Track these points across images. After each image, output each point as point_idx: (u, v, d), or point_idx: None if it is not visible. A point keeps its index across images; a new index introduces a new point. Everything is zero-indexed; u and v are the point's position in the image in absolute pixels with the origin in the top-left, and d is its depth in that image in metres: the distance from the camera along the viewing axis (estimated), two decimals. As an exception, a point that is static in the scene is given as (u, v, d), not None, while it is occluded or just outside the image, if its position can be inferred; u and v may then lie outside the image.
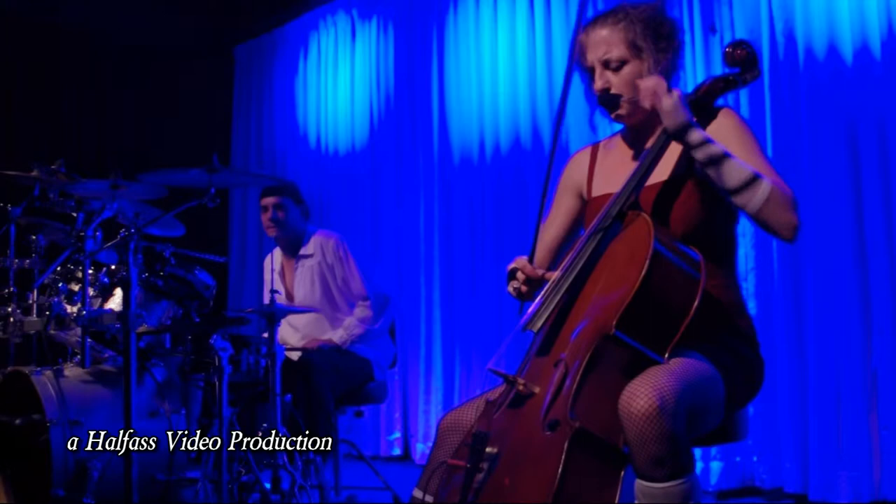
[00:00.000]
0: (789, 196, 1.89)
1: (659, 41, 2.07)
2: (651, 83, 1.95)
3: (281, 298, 4.13)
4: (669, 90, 1.93)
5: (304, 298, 4.10)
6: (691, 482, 1.69)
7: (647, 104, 1.95)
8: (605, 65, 2.07)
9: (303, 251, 4.14)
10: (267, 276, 4.29)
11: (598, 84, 2.08)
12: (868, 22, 3.52)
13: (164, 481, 3.19)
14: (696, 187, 2.00)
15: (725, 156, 1.88)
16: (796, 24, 3.72)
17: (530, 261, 2.05)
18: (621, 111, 2.08)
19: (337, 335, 3.95)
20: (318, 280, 4.08)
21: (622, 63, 2.06)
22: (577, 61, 2.15)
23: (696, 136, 1.90)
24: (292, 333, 4.14)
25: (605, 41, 2.07)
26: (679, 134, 1.91)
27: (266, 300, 4.12)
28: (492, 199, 4.88)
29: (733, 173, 1.87)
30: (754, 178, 1.86)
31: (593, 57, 2.09)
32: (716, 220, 2.03)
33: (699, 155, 1.90)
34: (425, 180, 5.26)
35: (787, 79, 3.75)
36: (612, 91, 2.07)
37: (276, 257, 4.28)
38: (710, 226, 2.02)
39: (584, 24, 2.14)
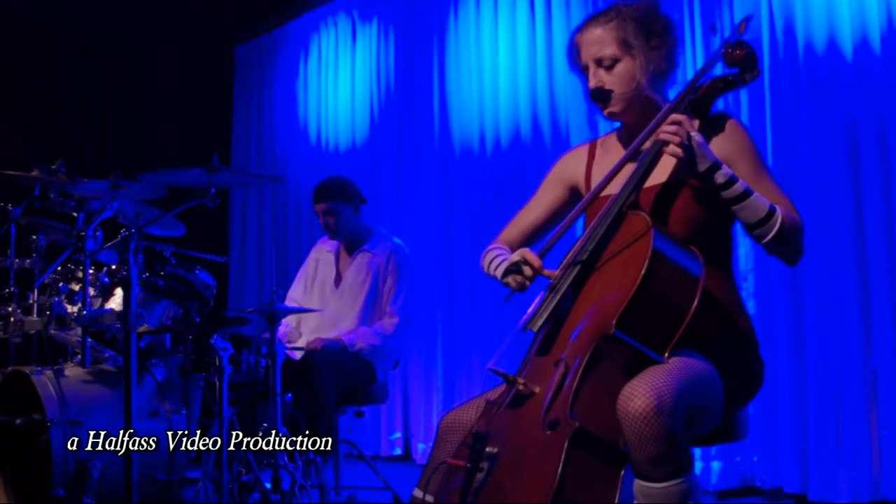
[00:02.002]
0: (797, 225, 1.98)
1: (650, 39, 2.08)
2: (679, 119, 1.92)
3: (327, 283, 4.15)
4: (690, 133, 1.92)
5: (350, 286, 4.09)
6: (690, 482, 1.69)
7: (672, 148, 1.92)
8: (598, 63, 2.09)
9: (367, 247, 4.12)
10: (315, 257, 4.28)
11: (592, 82, 2.11)
12: (868, 17, 3.52)
13: (164, 481, 3.19)
14: (695, 189, 2.01)
15: (747, 193, 1.93)
16: (796, 20, 3.72)
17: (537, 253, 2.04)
18: (614, 108, 2.09)
19: (347, 336, 3.92)
20: (372, 278, 4.06)
21: (614, 61, 2.08)
22: (574, 61, 2.17)
23: (721, 177, 1.93)
24: (314, 327, 4.12)
25: (598, 40, 2.09)
26: (706, 175, 1.93)
27: (300, 288, 4.25)
28: (492, 194, 4.89)
29: (752, 211, 1.93)
30: (770, 214, 1.93)
31: (587, 56, 2.12)
32: (715, 220, 2.03)
33: (723, 194, 1.93)
34: (425, 176, 5.26)
35: (786, 75, 3.75)
36: (605, 87, 2.08)
37: (330, 242, 4.26)
38: (709, 226, 2.03)
39: (579, 25, 2.16)
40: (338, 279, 4.17)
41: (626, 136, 2.19)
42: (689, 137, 1.91)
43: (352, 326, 4.01)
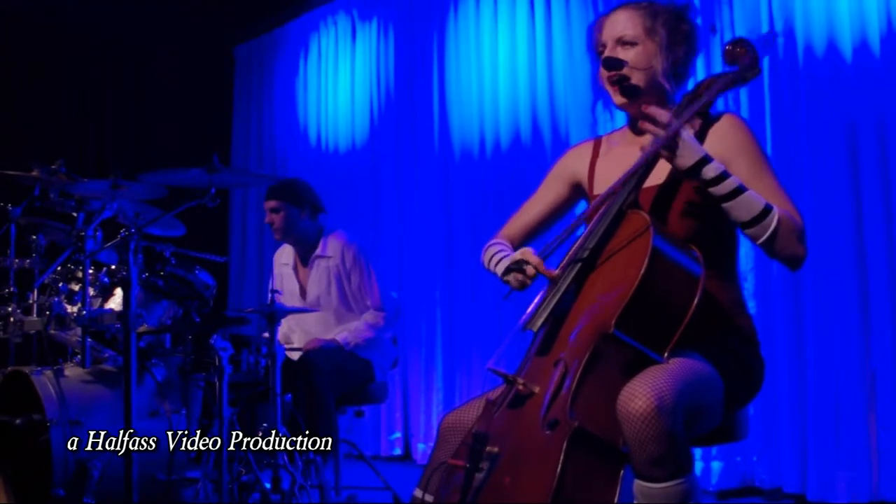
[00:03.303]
0: (797, 227, 1.91)
1: (675, 34, 2.09)
2: (663, 114, 1.88)
3: (294, 296, 4.09)
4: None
5: (317, 298, 4.04)
6: (690, 482, 1.69)
7: (658, 138, 1.88)
8: (618, 41, 2.09)
9: (318, 252, 4.05)
10: (277, 271, 4.23)
11: (606, 53, 2.09)
12: (867, 19, 3.52)
13: (164, 481, 3.19)
14: (695, 187, 2.00)
15: (739, 190, 1.88)
16: (796, 22, 3.73)
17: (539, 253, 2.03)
18: (630, 76, 2.06)
19: (341, 336, 3.92)
20: (335, 282, 4.01)
21: (635, 43, 2.07)
22: (591, 45, 2.17)
23: (710, 172, 1.88)
24: (300, 335, 4.11)
25: (623, 21, 2.09)
26: (693, 171, 1.89)
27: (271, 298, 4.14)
28: (492, 196, 4.89)
29: (745, 208, 1.88)
30: (765, 212, 1.88)
31: (608, 35, 2.10)
32: (715, 219, 2.02)
33: (713, 191, 1.89)
34: (426, 177, 5.26)
35: (786, 77, 3.76)
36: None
37: (287, 251, 4.20)
38: (709, 226, 2.02)
39: (604, 10, 2.20)
40: (303, 292, 4.11)
41: (633, 131, 2.18)
42: (676, 133, 1.88)
43: (338, 329, 3.99)
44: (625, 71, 2.06)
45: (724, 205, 1.90)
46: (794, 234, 1.91)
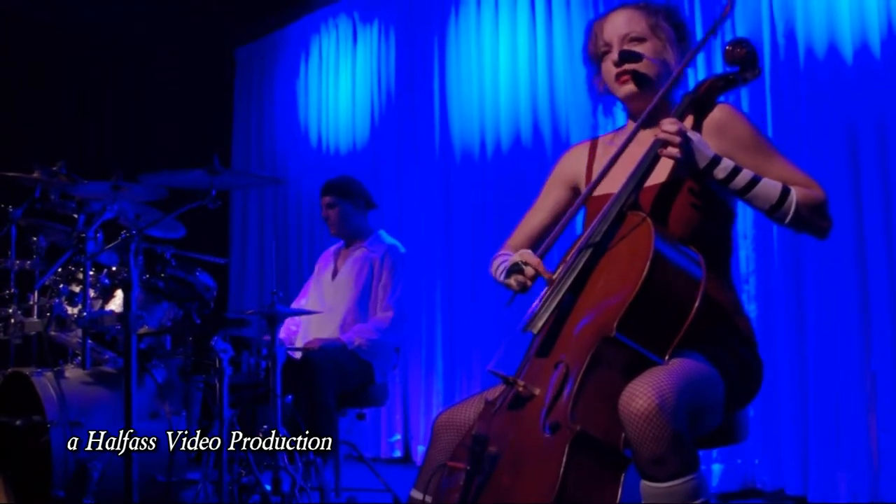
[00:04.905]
0: (817, 201, 1.97)
1: (677, 30, 2.10)
2: (672, 126, 1.90)
3: (326, 282, 4.23)
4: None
5: (346, 279, 4.15)
6: (696, 480, 1.68)
7: (670, 150, 1.90)
8: (625, 39, 2.08)
9: (366, 243, 4.19)
10: (320, 263, 4.36)
11: (617, 49, 2.08)
12: (868, 21, 3.53)
13: (164, 482, 3.19)
14: (695, 189, 2.00)
15: (753, 182, 1.91)
16: (797, 24, 3.73)
17: (537, 253, 2.03)
18: (640, 67, 2.05)
19: (346, 336, 3.94)
20: (366, 271, 4.13)
21: (643, 39, 2.07)
22: (588, 50, 2.16)
23: (721, 172, 1.91)
24: (302, 335, 4.15)
25: (625, 21, 2.09)
26: (706, 173, 1.92)
27: (309, 296, 4.29)
28: (492, 197, 4.89)
29: (763, 198, 1.92)
30: (782, 198, 1.92)
31: (612, 35, 2.09)
32: (714, 221, 2.03)
33: (730, 187, 1.92)
34: (426, 179, 5.26)
35: (787, 78, 3.76)
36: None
37: (337, 246, 4.36)
38: (708, 227, 2.02)
39: (600, 14, 2.17)
40: (335, 273, 4.24)
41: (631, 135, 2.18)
42: (687, 139, 1.89)
43: (344, 319, 4.03)
44: (642, 63, 2.05)
45: (742, 198, 1.93)
46: (815, 209, 1.96)
